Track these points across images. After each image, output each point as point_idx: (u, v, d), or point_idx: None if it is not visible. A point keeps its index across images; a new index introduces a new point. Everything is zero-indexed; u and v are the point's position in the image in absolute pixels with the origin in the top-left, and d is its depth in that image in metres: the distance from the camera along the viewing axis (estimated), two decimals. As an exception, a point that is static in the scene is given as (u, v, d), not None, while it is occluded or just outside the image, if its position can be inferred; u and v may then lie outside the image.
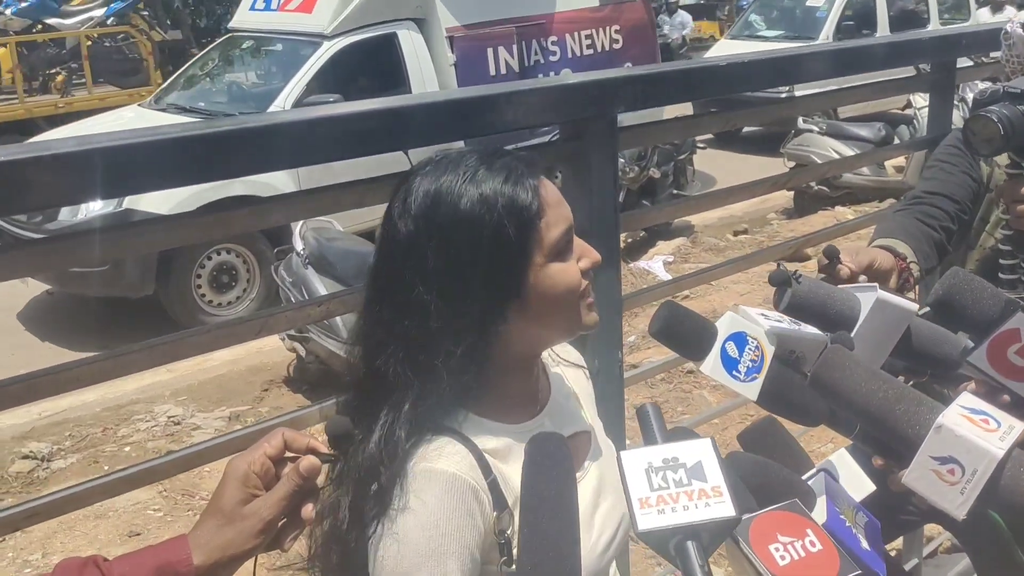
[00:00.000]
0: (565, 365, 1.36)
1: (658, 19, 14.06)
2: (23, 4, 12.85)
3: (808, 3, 12.64)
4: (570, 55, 8.69)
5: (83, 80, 12.41)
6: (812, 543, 0.88)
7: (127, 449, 4.87)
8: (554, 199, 1.14)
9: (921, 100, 8.61)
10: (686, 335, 1.09)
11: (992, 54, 3.14)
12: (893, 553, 2.63)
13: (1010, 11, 11.04)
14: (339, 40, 7.48)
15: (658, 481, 0.81)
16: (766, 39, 12.53)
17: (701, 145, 9.51)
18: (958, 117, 2.74)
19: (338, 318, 3.77)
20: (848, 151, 8.46)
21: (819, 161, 8.21)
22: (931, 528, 2.74)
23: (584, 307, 1.16)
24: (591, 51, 8.86)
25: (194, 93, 8.23)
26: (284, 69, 7.72)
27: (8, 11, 12.91)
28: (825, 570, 0.87)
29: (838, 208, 8.81)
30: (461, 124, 1.56)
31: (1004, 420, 0.90)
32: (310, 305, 1.63)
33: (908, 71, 5.53)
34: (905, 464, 0.91)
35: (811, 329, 1.14)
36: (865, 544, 0.95)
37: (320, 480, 1.01)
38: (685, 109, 7.00)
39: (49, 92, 12.46)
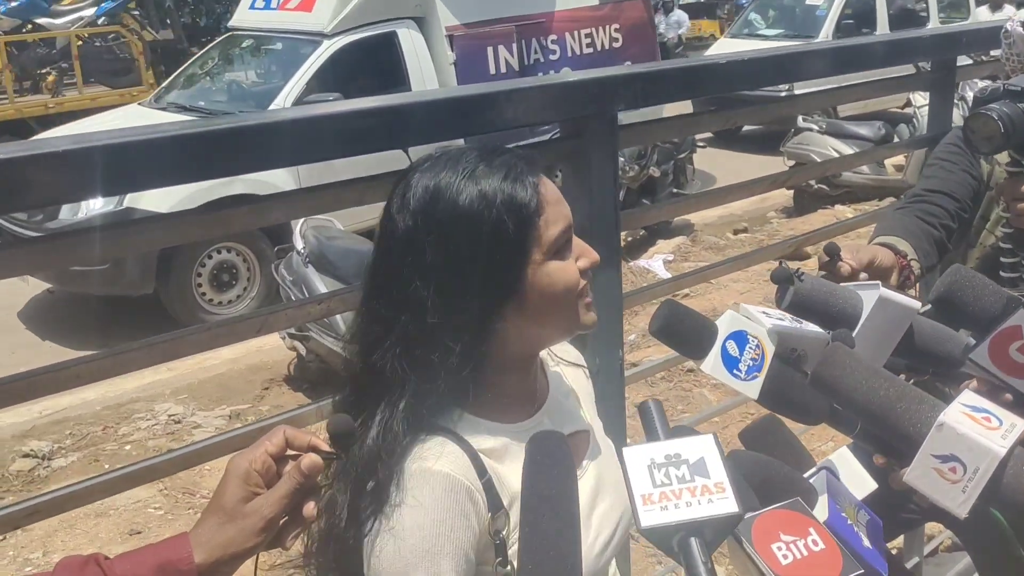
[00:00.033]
0: (564, 364, 1.36)
1: (654, 18, 14.03)
2: (12, 3, 12.72)
3: (808, 1, 12.64)
4: (570, 54, 8.68)
5: (74, 80, 12.33)
6: (815, 542, 0.88)
7: (128, 448, 4.87)
8: (553, 197, 1.13)
9: (921, 99, 8.61)
10: (686, 334, 1.08)
11: (992, 52, 3.14)
12: (894, 551, 2.63)
13: (1009, 9, 11.05)
14: (339, 39, 7.48)
15: (661, 477, 0.80)
16: (766, 38, 12.53)
17: (701, 144, 9.51)
18: (957, 116, 2.74)
19: (338, 316, 3.77)
20: (848, 150, 8.46)
21: (819, 160, 8.21)
22: (932, 527, 2.74)
23: (582, 306, 1.16)
24: (591, 50, 8.86)
25: (194, 92, 8.23)
26: (284, 68, 7.72)
27: (-2, 11, 12.91)
28: (828, 569, 0.86)
29: (838, 207, 8.82)
30: (461, 122, 1.56)
31: (1006, 418, 0.90)
32: (310, 303, 1.63)
33: (908, 70, 5.54)
34: (906, 462, 0.90)
35: (813, 327, 1.13)
36: (867, 542, 0.95)
37: (321, 478, 1.00)
38: (684, 108, 6.99)
39: (40, 92, 12.38)
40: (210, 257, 6.61)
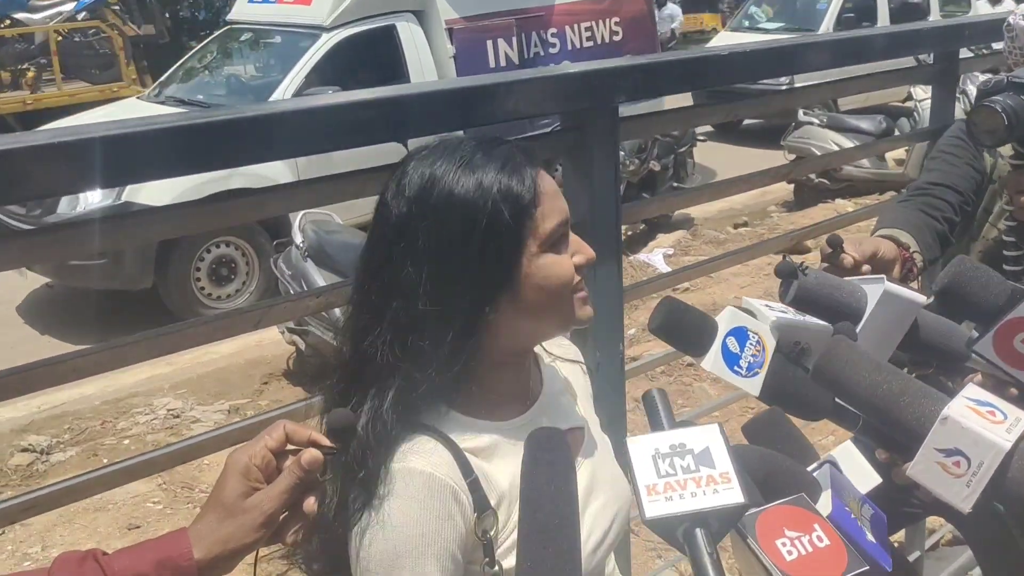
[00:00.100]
0: (561, 361, 1.35)
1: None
2: (-12, -2, 12.66)
3: (808, -5, 12.64)
4: (570, 47, 8.67)
5: (53, 76, 12.20)
6: (819, 538, 0.87)
7: (126, 442, 4.86)
8: (551, 190, 1.13)
9: (922, 92, 8.61)
10: (686, 331, 1.07)
11: (993, 45, 3.12)
12: (895, 545, 2.63)
13: (1009, 3, 11.03)
14: (338, 32, 7.47)
15: (665, 468, 0.80)
16: (767, 31, 12.52)
17: (701, 138, 9.51)
18: (958, 110, 2.73)
19: (337, 310, 3.76)
20: (849, 144, 8.44)
21: (819, 154, 8.20)
22: (933, 520, 2.74)
23: (577, 300, 1.15)
24: (591, 43, 8.84)
25: (193, 86, 8.22)
26: (283, 61, 7.71)
27: (-27, 6, 12.72)
28: (833, 565, 0.85)
29: (838, 201, 8.82)
30: (461, 114, 1.55)
31: (1011, 412, 0.89)
32: (309, 296, 1.62)
33: (909, 63, 5.51)
34: (909, 457, 0.90)
35: (816, 321, 1.13)
36: (871, 536, 0.94)
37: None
38: (684, 102, 6.98)
39: (20, 88, 12.25)
40: (209, 251, 6.60)
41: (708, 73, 2.03)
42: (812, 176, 8.75)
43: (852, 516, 0.95)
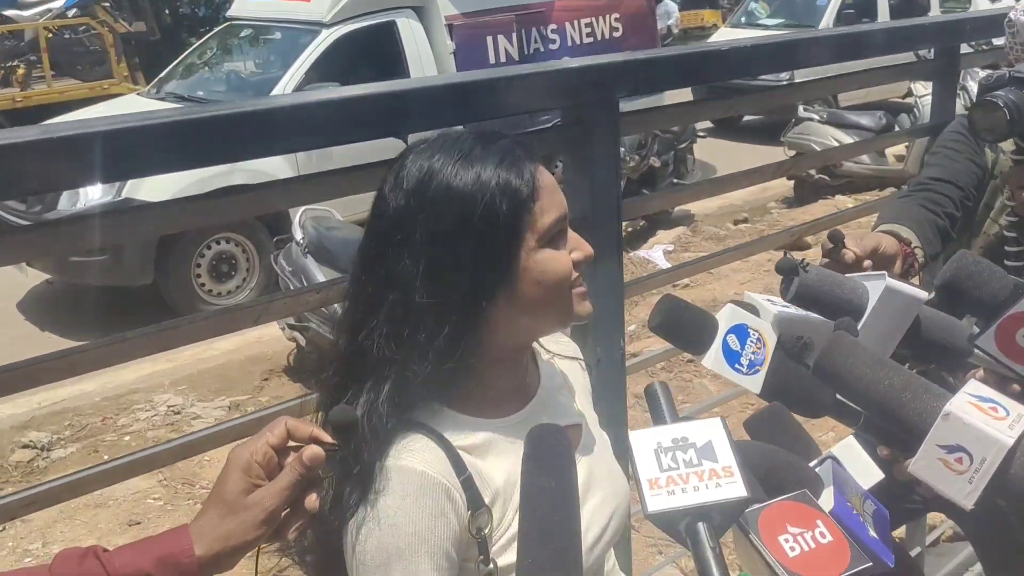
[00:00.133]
0: (560, 358, 1.34)
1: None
2: (-23, -5, 12.54)
3: (808, -9, 12.63)
4: (570, 43, 8.66)
5: (43, 74, 12.10)
6: (822, 534, 0.87)
7: (127, 438, 4.86)
8: (550, 185, 1.12)
9: (922, 88, 8.60)
10: (686, 328, 1.07)
11: (994, 41, 3.12)
12: (897, 541, 2.62)
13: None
14: (338, 28, 7.47)
15: (668, 461, 0.79)
16: (766, 27, 12.51)
17: (701, 134, 9.51)
18: (959, 106, 2.72)
19: (337, 307, 3.76)
20: (849, 140, 8.44)
21: (819, 150, 8.19)
22: (933, 516, 2.74)
23: (576, 297, 1.14)
24: (591, 39, 8.84)
25: (193, 82, 8.22)
26: (283, 57, 7.70)
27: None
28: (836, 561, 0.85)
29: (838, 197, 8.81)
30: (462, 108, 1.54)
31: (1013, 408, 0.88)
32: (309, 292, 1.61)
33: (909, 59, 5.51)
34: (911, 453, 0.89)
35: (818, 317, 1.12)
36: (873, 533, 0.94)
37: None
38: (684, 99, 6.97)
39: (10, 86, 12.14)
40: (209, 247, 6.60)
41: (709, 68, 2.03)
42: (812, 172, 8.74)
43: (855, 512, 0.95)
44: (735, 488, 0.78)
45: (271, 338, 5.69)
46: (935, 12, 12.36)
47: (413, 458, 1.07)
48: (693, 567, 0.80)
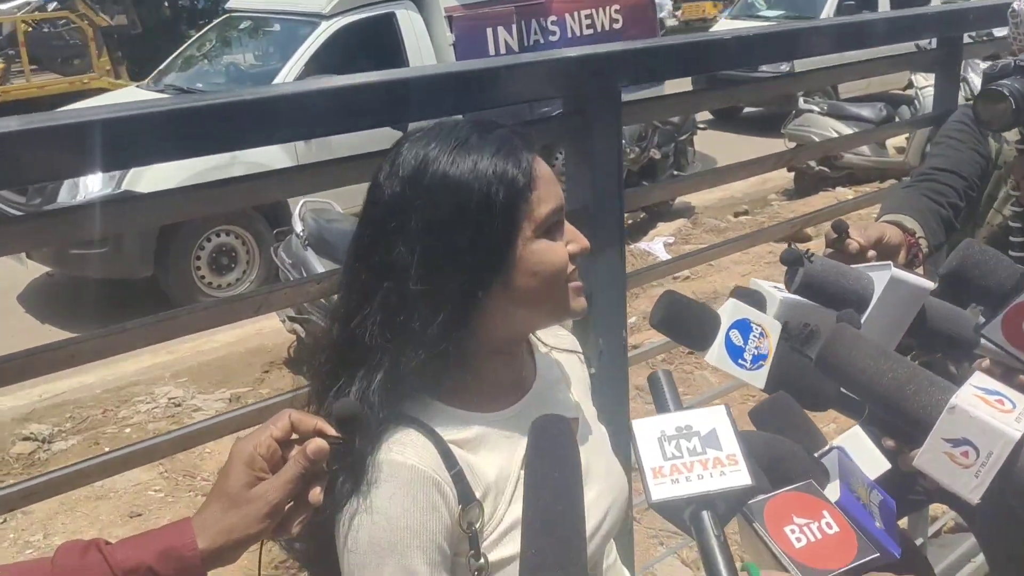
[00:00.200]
0: (557, 351, 1.33)
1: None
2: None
3: (809, -18, 12.59)
4: (570, 35, 8.63)
5: (22, 68, 11.99)
6: (829, 525, 0.86)
7: (128, 431, 4.87)
8: (547, 175, 1.11)
9: (923, 80, 8.58)
10: (688, 325, 1.07)
11: (995, 32, 3.10)
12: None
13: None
14: (337, 20, 7.45)
15: (671, 450, 0.78)
16: (766, 19, 12.48)
17: (701, 126, 9.50)
18: (960, 97, 2.71)
19: (336, 298, 3.75)
20: (849, 131, 8.42)
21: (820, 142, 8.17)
22: (935, 507, 2.74)
23: (572, 291, 1.14)
24: (591, 31, 8.81)
25: (192, 74, 8.21)
26: (282, 49, 7.69)
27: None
28: (842, 552, 0.85)
29: (839, 189, 8.80)
30: (463, 97, 1.53)
31: (1019, 401, 0.87)
32: (308, 283, 1.60)
33: (910, 49, 5.48)
34: (916, 445, 0.88)
35: (823, 307, 1.12)
36: (879, 523, 0.93)
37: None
38: (684, 89, 6.96)
39: None
40: (209, 240, 6.60)
41: (710, 57, 2.01)
42: (812, 164, 8.74)
43: (861, 502, 0.94)
44: (739, 476, 0.77)
45: (271, 330, 5.69)
46: (936, 1, 12.32)
47: (405, 452, 1.07)
48: (695, 558, 0.80)
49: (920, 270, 1.69)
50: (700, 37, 2.24)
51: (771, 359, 1.04)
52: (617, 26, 9.01)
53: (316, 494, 0.95)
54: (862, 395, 0.96)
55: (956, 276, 1.13)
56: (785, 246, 1.22)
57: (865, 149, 8.72)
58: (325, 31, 7.37)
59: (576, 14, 8.71)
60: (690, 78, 7.32)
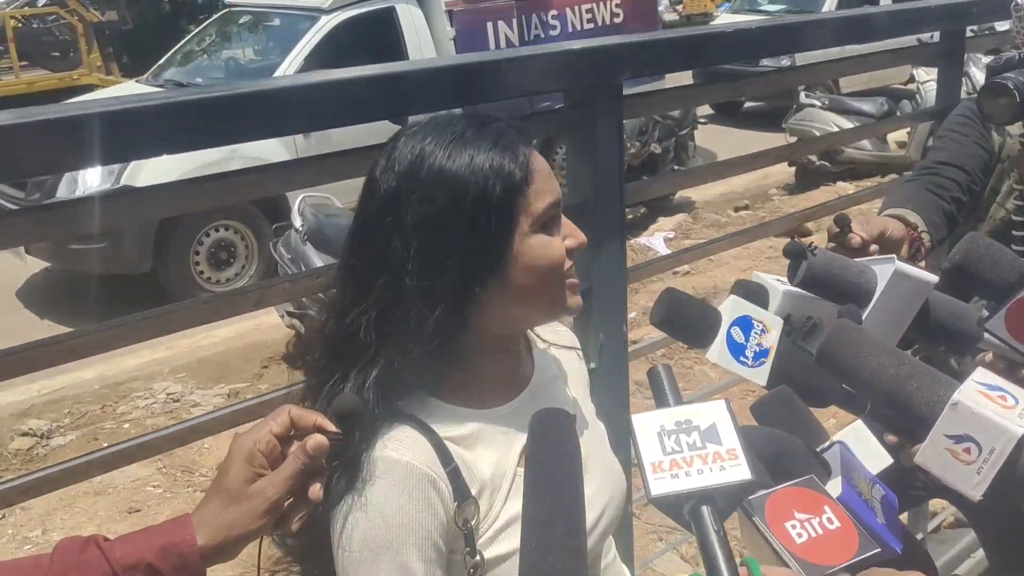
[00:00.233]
0: (556, 348, 1.33)
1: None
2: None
3: (810, -25, 12.55)
4: (571, 29, 8.62)
5: (11, 64, 11.92)
6: (830, 520, 0.86)
7: (126, 426, 4.86)
8: (544, 170, 1.11)
9: (924, 74, 8.57)
10: (689, 323, 1.06)
11: (996, 26, 3.09)
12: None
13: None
14: (337, 14, 7.43)
15: (671, 444, 0.78)
16: (768, 13, 12.45)
17: (702, 120, 9.49)
18: (962, 92, 2.70)
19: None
20: (850, 126, 8.41)
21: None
22: (935, 503, 2.73)
23: (568, 288, 1.13)
24: (592, 25, 8.79)
25: (191, 69, 8.20)
26: (282, 44, 7.67)
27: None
28: (844, 547, 0.84)
29: (840, 183, 8.79)
30: (464, 91, 1.52)
31: (1022, 397, 0.86)
32: (307, 277, 1.60)
33: (911, 44, 5.47)
34: (919, 441, 0.88)
35: (826, 301, 1.11)
36: (881, 518, 0.93)
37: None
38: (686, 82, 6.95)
39: None
40: (208, 235, 6.59)
41: (713, 51, 2.01)
42: (813, 159, 8.73)
43: (862, 497, 0.94)
44: (740, 471, 0.76)
45: (270, 326, 5.68)
46: (937, -3, 12.29)
47: (400, 449, 1.06)
48: (694, 554, 0.79)
49: (923, 264, 1.68)
50: (701, 30, 2.24)
51: (772, 356, 1.03)
52: (618, 20, 8.99)
53: (316, 490, 0.95)
54: (863, 391, 0.95)
55: (959, 270, 1.12)
56: (785, 241, 1.21)
57: (866, 144, 8.71)
58: (325, 26, 7.35)
59: (577, 8, 8.69)
60: (691, 72, 7.31)
